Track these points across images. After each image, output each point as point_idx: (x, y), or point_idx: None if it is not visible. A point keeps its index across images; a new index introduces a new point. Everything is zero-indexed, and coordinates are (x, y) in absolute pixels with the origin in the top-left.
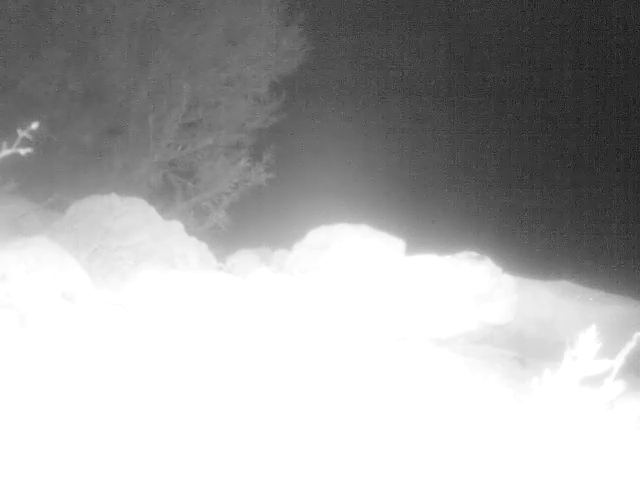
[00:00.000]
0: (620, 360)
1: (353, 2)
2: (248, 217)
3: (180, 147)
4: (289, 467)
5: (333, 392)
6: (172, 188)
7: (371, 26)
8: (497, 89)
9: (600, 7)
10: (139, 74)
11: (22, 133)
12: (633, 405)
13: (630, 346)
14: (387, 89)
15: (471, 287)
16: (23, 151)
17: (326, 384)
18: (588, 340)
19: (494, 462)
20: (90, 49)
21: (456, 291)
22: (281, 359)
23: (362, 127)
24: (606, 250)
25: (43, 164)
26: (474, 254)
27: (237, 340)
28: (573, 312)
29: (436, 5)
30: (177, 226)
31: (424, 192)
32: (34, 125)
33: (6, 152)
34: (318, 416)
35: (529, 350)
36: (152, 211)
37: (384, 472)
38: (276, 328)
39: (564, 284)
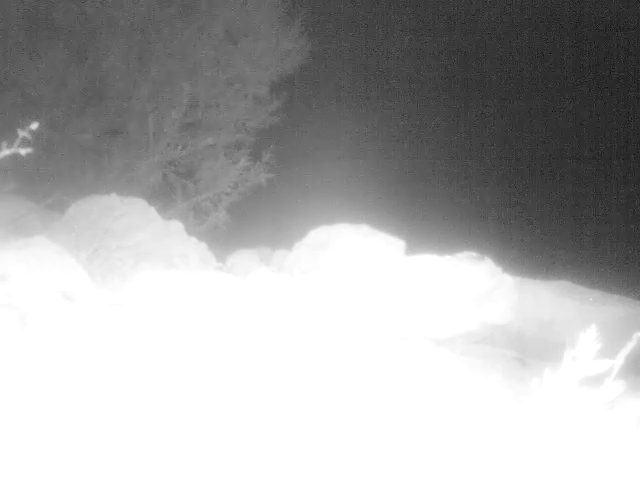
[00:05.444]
0: (620, 360)
1: (353, 2)
2: (248, 217)
3: (180, 147)
4: (289, 466)
5: (333, 391)
6: (172, 188)
7: (371, 26)
8: (497, 89)
9: (600, 5)
10: (139, 74)
11: (22, 133)
12: (633, 405)
13: (630, 346)
14: (387, 89)
15: (471, 287)
16: (23, 151)
17: (326, 383)
18: (588, 340)
19: (495, 462)
20: (90, 49)
21: (456, 291)
22: (281, 359)
23: (362, 127)
24: (606, 250)
25: (43, 164)
26: (474, 254)
27: (236, 340)
28: (573, 312)
29: (436, 4)
30: (177, 226)
31: (424, 192)
32: (34, 125)
33: (6, 152)
34: (318, 415)
35: (529, 350)
36: (152, 211)
37: (384, 472)
38: (276, 328)
39: (564, 284)
